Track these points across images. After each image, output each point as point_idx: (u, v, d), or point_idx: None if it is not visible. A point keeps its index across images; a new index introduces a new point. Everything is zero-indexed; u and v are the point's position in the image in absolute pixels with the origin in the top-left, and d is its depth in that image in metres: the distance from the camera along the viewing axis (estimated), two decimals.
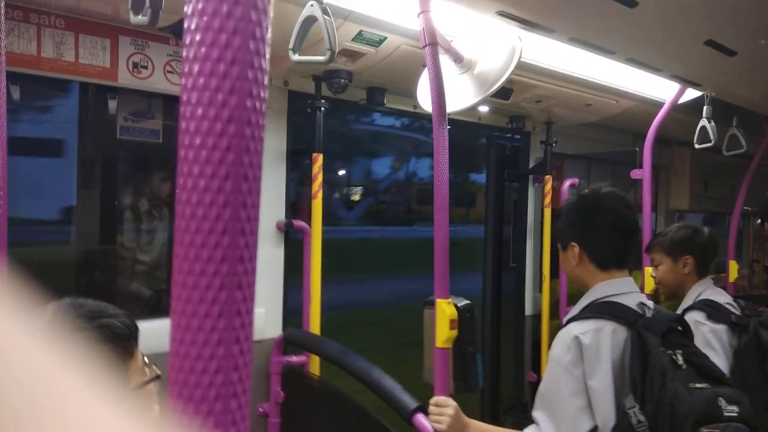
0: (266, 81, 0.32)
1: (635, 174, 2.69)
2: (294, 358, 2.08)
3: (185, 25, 0.31)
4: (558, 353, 1.34)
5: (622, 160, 3.12)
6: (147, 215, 2.47)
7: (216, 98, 0.30)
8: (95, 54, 1.68)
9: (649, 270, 2.55)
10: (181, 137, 0.31)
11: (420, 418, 1.51)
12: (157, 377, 0.97)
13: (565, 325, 1.40)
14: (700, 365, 1.25)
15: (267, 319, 2.07)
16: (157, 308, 2.31)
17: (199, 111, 0.30)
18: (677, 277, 2.15)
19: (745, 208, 3.67)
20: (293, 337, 2.09)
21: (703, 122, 2.35)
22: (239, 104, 0.30)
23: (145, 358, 0.99)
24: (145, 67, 1.76)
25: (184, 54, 0.31)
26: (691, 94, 2.38)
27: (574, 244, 1.44)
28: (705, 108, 2.35)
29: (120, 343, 0.91)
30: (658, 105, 2.48)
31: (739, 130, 2.66)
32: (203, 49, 0.30)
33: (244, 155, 0.30)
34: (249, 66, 0.30)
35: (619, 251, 1.43)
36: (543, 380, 1.39)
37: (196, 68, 0.30)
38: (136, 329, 0.96)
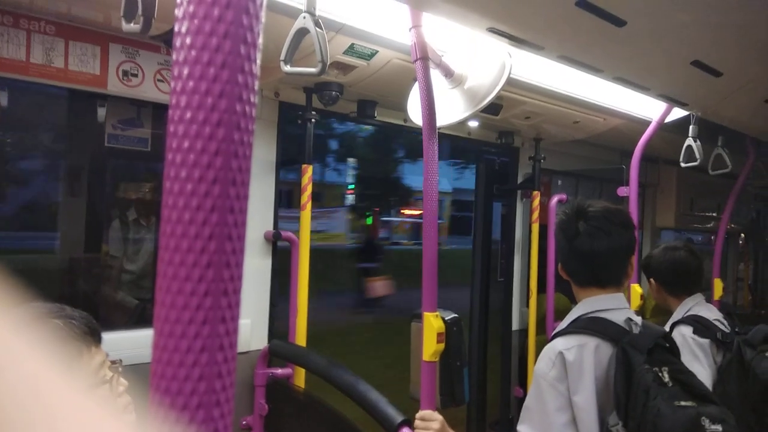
0: (257, 86, 0.31)
1: (622, 191, 2.72)
2: (279, 371, 2.06)
3: (176, 28, 0.31)
4: (543, 368, 1.34)
5: (609, 177, 3.15)
6: (134, 224, 2.45)
7: (205, 102, 0.29)
8: (85, 61, 1.67)
9: (635, 287, 2.57)
10: (170, 140, 0.31)
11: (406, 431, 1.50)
12: (107, 382, 0.98)
13: (551, 339, 1.40)
14: (686, 383, 1.25)
15: (253, 330, 2.05)
16: (143, 318, 2.29)
17: (188, 114, 0.30)
18: (657, 296, 2.26)
19: (731, 226, 3.71)
20: (279, 349, 2.07)
21: (689, 141, 2.38)
22: (229, 108, 0.30)
23: (109, 364, 0.99)
24: (135, 75, 1.76)
25: (174, 57, 0.31)
26: (678, 113, 2.42)
27: (560, 264, 1.47)
28: (691, 127, 2.38)
29: (72, 342, 0.91)
30: (645, 123, 2.51)
31: (724, 150, 2.69)
32: (194, 52, 0.30)
33: (233, 159, 0.30)
34: (239, 70, 0.30)
35: (592, 274, 1.41)
36: (528, 395, 1.38)
37: (186, 71, 0.30)
38: (92, 331, 0.97)
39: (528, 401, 1.37)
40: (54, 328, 0.92)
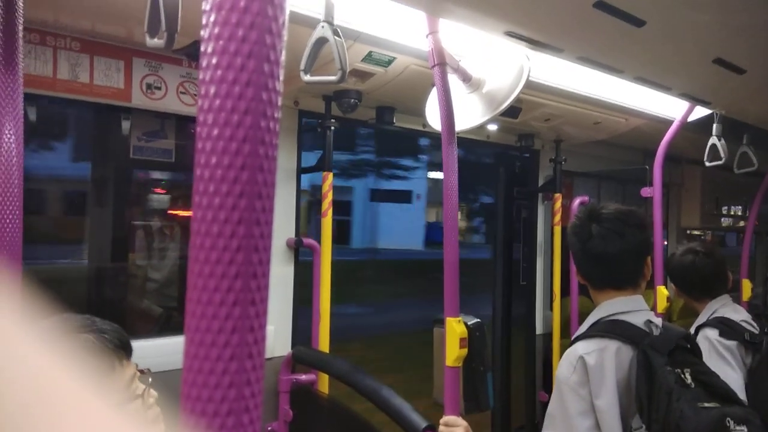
0: (280, 102, 0.33)
1: (645, 192, 2.69)
2: (303, 377, 2.07)
3: (202, 48, 0.32)
4: (564, 373, 1.33)
5: (632, 177, 3.11)
6: (159, 234, 2.49)
7: (231, 119, 0.31)
8: (110, 75, 1.71)
9: (661, 289, 2.54)
10: (198, 157, 0.32)
11: None
12: (139, 396, 0.98)
13: (572, 343, 1.40)
14: (709, 383, 1.23)
15: (276, 336, 2.07)
16: (167, 326, 2.32)
17: (215, 131, 0.31)
18: (682, 298, 2.25)
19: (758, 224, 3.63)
20: (302, 355, 2.08)
21: (713, 140, 2.35)
22: (254, 124, 0.31)
23: (139, 375, 1.00)
24: (159, 88, 1.79)
25: (201, 76, 0.32)
26: (701, 111, 2.38)
27: (576, 268, 1.49)
28: (714, 126, 2.34)
29: (104, 357, 0.92)
30: (668, 123, 2.48)
31: (749, 148, 2.65)
32: (219, 72, 0.31)
33: (258, 174, 0.31)
34: (263, 88, 0.31)
35: (607, 277, 1.41)
36: (551, 401, 1.38)
37: (212, 90, 0.31)
38: (123, 345, 0.98)
39: (551, 407, 1.36)
40: (86, 342, 0.93)
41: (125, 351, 0.99)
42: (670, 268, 2.21)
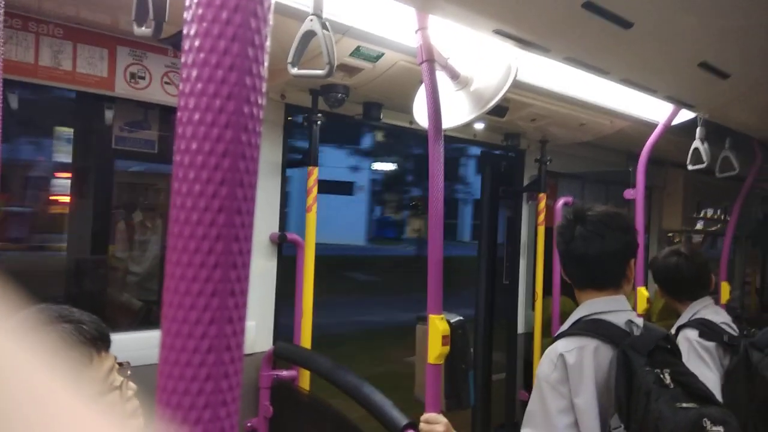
0: (264, 88, 0.32)
1: (629, 194, 2.71)
2: (284, 373, 2.06)
3: (185, 30, 0.31)
4: (545, 371, 1.34)
5: (616, 179, 3.14)
6: (140, 226, 2.46)
7: (213, 104, 0.30)
8: (93, 63, 1.68)
9: (641, 290, 2.56)
10: (178, 142, 0.31)
11: None
12: (117, 388, 0.97)
13: (553, 340, 1.41)
14: (688, 384, 1.25)
15: (258, 332, 2.06)
16: (148, 320, 2.30)
17: (197, 116, 0.30)
18: (665, 298, 2.29)
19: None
20: (284, 351, 2.07)
21: (697, 143, 2.37)
22: (237, 110, 0.30)
23: (117, 368, 0.99)
24: (143, 78, 1.77)
25: (183, 60, 0.31)
26: (685, 115, 2.41)
27: (561, 267, 1.52)
28: (698, 129, 2.37)
29: (81, 347, 0.91)
30: (652, 126, 2.50)
31: (731, 153, 2.68)
32: (202, 55, 0.30)
33: (240, 161, 0.30)
34: (247, 72, 0.30)
35: (588, 278, 1.43)
36: (531, 398, 1.38)
37: (194, 74, 0.30)
38: (101, 336, 0.96)
39: (531, 405, 1.37)
40: (62, 332, 0.91)
41: (103, 342, 0.97)
42: (654, 270, 2.23)
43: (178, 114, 0.31)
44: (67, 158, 2.22)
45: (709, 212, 4.10)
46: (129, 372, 1.02)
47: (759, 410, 1.85)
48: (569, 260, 1.46)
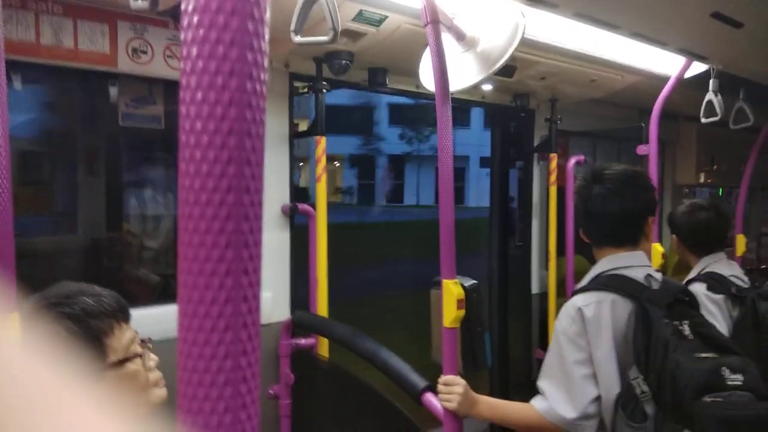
0: (266, 63, 0.31)
1: (641, 150, 2.67)
2: (303, 341, 2.09)
3: (183, 6, 0.30)
4: (563, 324, 1.36)
5: (627, 136, 3.09)
6: (152, 201, 2.47)
7: (216, 81, 0.29)
8: (94, 40, 1.66)
9: (656, 245, 2.55)
10: (182, 122, 0.31)
11: (429, 397, 1.52)
12: (137, 356, 1.00)
13: (572, 296, 1.42)
14: (707, 335, 1.25)
15: (275, 302, 2.08)
16: (166, 293, 2.33)
17: (199, 95, 0.29)
18: (679, 253, 2.29)
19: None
20: (302, 320, 2.10)
21: (710, 96, 2.32)
22: (239, 87, 0.29)
23: (139, 339, 1.02)
24: (145, 52, 1.75)
25: (183, 37, 0.30)
26: (698, 67, 2.35)
27: (580, 225, 1.51)
28: (711, 81, 2.32)
29: (93, 320, 0.93)
30: (664, 80, 2.45)
31: (746, 104, 2.62)
32: (201, 31, 0.29)
33: (246, 139, 0.30)
34: (248, 48, 0.29)
35: (607, 235, 1.45)
36: (548, 351, 1.41)
37: (194, 51, 0.29)
38: (121, 308, 0.99)
39: (548, 357, 1.40)
40: (84, 305, 0.94)
41: (123, 314, 1.00)
42: (678, 224, 2.22)
43: (181, 93, 0.31)
44: (75, 138, 2.22)
45: (723, 167, 4.04)
46: (150, 345, 1.04)
47: (766, 360, 1.86)
48: (588, 219, 1.47)
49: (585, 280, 1.46)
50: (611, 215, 1.41)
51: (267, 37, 0.30)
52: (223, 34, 0.29)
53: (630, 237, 1.44)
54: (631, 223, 1.43)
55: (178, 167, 0.31)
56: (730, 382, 1.17)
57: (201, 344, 0.31)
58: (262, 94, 0.31)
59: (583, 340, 1.32)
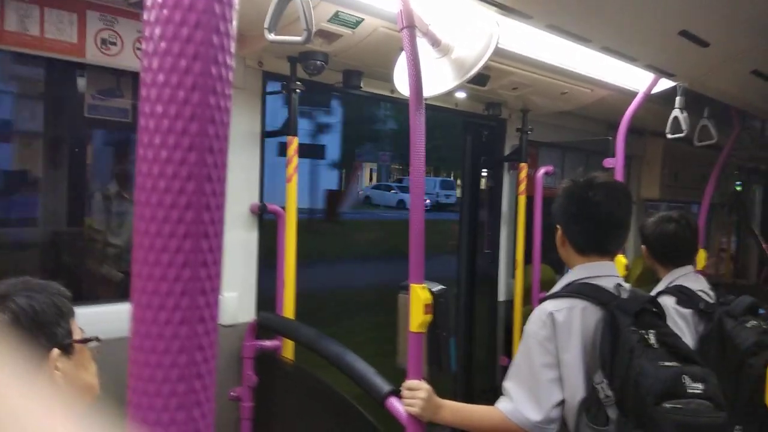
0: (233, 48, 0.30)
1: (608, 163, 2.72)
2: (267, 343, 2.06)
3: None
4: (533, 328, 1.38)
5: (595, 148, 3.15)
6: (117, 197, 2.41)
7: (179, 64, 0.28)
8: (62, 29, 1.62)
9: (620, 257, 2.60)
10: (142, 105, 0.29)
11: (393, 401, 1.51)
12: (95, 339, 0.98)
13: (542, 302, 1.44)
14: (672, 345, 1.28)
15: (240, 303, 2.05)
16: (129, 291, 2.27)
17: (161, 77, 0.28)
18: (648, 264, 2.31)
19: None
20: (267, 322, 2.07)
21: (676, 112, 2.38)
22: (204, 71, 0.28)
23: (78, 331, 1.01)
24: (114, 44, 1.71)
25: (145, 17, 0.29)
26: (665, 84, 2.41)
27: (558, 226, 1.52)
28: (678, 98, 2.37)
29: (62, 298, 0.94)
30: (632, 95, 2.51)
31: (710, 122, 2.70)
32: (165, 11, 0.28)
33: (209, 126, 0.29)
34: (214, 30, 0.28)
35: (597, 241, 1.47)
36: (517, 354, 1.42)
37: (157, 31, 0.28)
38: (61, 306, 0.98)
39: (517, 359, 1.41)
40: (16, 304, 0.92)
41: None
42: (648, 234, 2.24)
43: (142, 75, 0.29)
44: (38, 128, 2.16)
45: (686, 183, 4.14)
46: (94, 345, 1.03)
47: (730, 377, 1.90)
48: (583, 222, 1.47)
49: (558, 287, 1.48)
50: (613, 221, 1.45)
51: (235, 21, 0.29)
52: (188, 15, 0.28)
53: (616, 245, 1.49)
54: (623, 231, 1.49)
55: (136, 151, 0.30)
56: (690, 390, 1.19)
57: (154, 337, 0.30)
58: (228, 80, 0.30)
59: (552, 345, 1.34)
